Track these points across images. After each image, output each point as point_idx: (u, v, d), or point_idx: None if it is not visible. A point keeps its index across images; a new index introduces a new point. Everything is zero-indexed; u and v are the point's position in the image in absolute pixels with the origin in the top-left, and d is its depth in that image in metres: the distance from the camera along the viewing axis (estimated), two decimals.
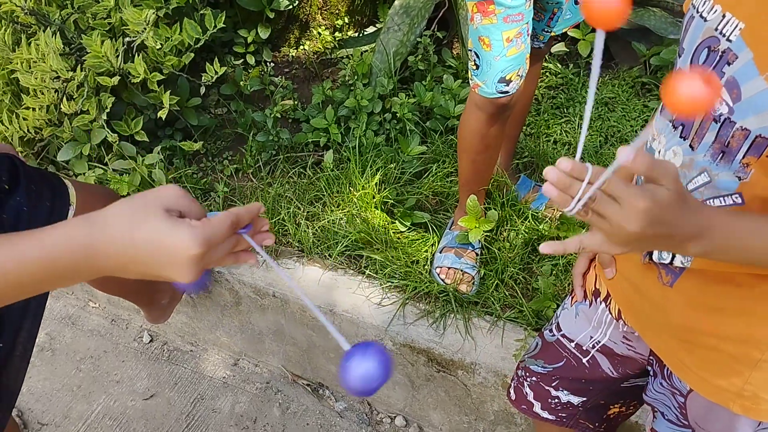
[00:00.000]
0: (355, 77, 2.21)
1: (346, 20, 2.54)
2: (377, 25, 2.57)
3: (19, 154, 1.97)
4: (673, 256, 0.82)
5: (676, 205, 0.61)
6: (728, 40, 0.68)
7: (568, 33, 2.29)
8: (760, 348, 0.79)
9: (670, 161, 0.65)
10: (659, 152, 0.80)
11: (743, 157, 0.69)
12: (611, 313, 1.00)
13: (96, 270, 0.60)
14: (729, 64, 0.68)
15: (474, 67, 1.44)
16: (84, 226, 0.59)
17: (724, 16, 0.69)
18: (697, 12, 0.73)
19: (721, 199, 0.74)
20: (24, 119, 1.93)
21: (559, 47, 2.36)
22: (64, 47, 1.92)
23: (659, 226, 0.61)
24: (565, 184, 0.60)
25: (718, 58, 0.70)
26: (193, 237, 0.59)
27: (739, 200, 0.72)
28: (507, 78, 1.42)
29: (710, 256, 0.68)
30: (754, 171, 0.69)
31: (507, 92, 1.44)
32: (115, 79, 1.93)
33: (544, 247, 0.66)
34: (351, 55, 2.37)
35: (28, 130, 1.95)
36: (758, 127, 0.66)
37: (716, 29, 0.70)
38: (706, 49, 0.71)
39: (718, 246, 0.66)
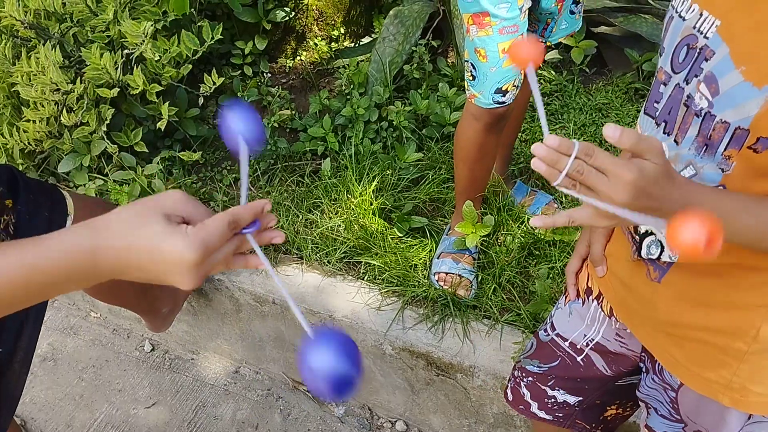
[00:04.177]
0: (352, 86, 2.24)
1: (342, 31, 2.57)
2: (373, 35, 2.60)
3: (20, 166, 2.00)
4: (661, 252, 0.83)
5: (662, 179, 0.63)
6: (705, 37, 0.70)
7: (562, 41, 2.31)
8: (746, 340, 0.80)
9: (655, 137, 0.67)
10: None
11: (725, 150, 0.71)
12: (603, 311, 1.01)
13: (101, 274, 0.61)
14: (707, 60, 0.70)
15: (470, 78, 1.46)
16: (87, 232, 0.60)
17: (701, 15, 0.71)
18: (676, 12, 0.75)
19: None
20: (24, 132, 1.95)
21: (552, 54, 2.38)
22: (63, 60, 1.94)
23: (645, 199, 0.63)
24: (552, 159, 0.63)
25: (696, 54, 0.72)
26: (188, 244, 0.58)
27: None
28: (503, 89, 1.44)
29: None
30: (736, 163, 0.71)
31: (504, 102, 1.46)
32: (115, 91, 1.95)
33: (535, 221, 0.68)
34: (347, 64, 2.39)
35: (28, 143, 1.97)
36: (737, 120, 0.68)
37: (694, 27, 0.72)
38: (686, 47, 0.73)
39: None
